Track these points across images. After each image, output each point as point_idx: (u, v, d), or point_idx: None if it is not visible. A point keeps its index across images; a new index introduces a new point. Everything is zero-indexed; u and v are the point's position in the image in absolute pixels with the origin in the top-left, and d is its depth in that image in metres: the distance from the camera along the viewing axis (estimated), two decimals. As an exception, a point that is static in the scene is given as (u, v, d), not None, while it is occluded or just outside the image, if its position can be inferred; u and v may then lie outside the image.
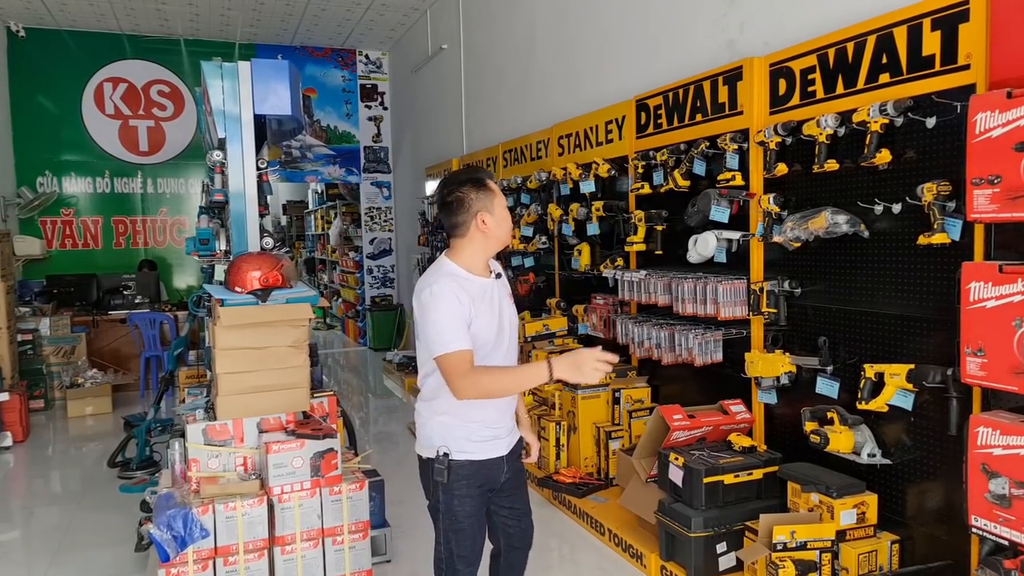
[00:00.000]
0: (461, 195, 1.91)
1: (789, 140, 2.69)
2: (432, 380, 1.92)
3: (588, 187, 3.98)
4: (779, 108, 2.74)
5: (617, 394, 3.58)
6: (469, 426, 1.91)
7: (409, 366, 6.93)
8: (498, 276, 2.00)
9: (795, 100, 2.66)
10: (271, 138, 3.38)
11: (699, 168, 3.12)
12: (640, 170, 3.55)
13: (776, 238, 2.68)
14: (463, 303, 1.83)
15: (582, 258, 4.14)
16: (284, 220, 17.84)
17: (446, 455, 1.89)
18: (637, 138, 3.64)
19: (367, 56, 8.86)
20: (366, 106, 8.92)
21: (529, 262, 4.88)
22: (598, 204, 3.86)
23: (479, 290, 1.89)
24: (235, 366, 2.46)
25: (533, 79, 5.09)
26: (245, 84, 2.80)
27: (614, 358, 1.82)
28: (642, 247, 3.58)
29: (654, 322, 3.38)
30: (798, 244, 2.62)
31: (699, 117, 3.16)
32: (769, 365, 2.74)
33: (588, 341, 4.19)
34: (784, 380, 2.71)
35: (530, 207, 4.67)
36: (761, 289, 2.79)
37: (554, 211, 4.36)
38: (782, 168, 2.70)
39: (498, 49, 5.67)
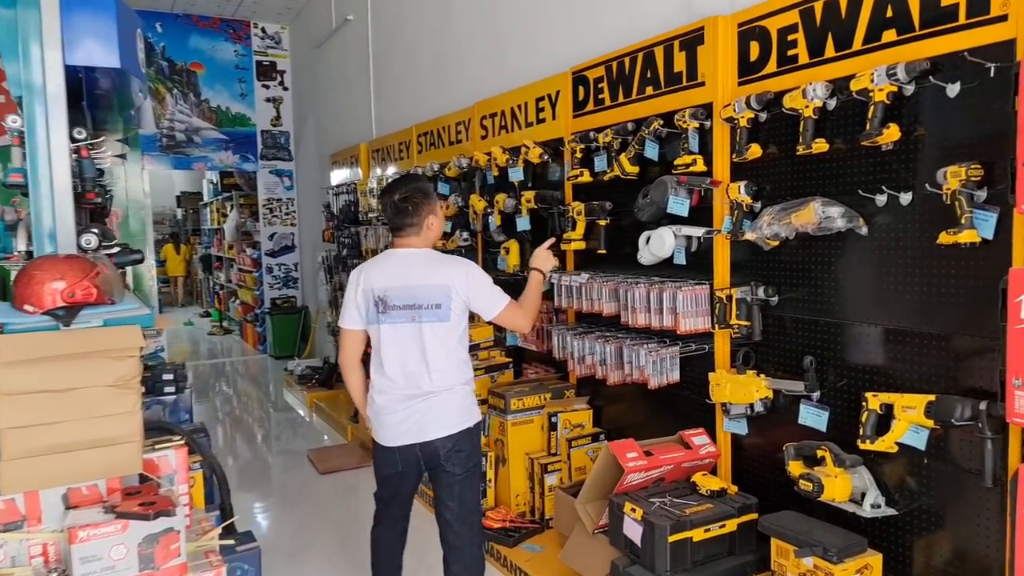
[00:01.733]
0: (416, 201, 2.23)
1: (764, 116, 2.21)
2: (462, 351, 2.27)
3: (516, 175, 3.41)
4: (751, 77, 2.25)
5: (553, 418, 3.04)
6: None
7: (312, 378, 6.15)
8: None
9: (771, 67, 2.18)
10: (90, 101, 2.58)
11: (651, 151, 2.61)
12: (579, 155, 3.01)
13: (748, 235, 2.20)
14: None
15: (510, 257, 3.57)
16: (180, 213, 16.37)
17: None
18: (574, 117, 3.09)
19: (263, 29, 7.93)
20: (263, 86, 7.99)
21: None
22: (529, 195, 3.30)
23: None
24: (24, 417, 1.71)
25: (451, 51, 4.47)
26: (50, 21, 2.02)
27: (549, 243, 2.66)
28: (581, 245, 3.04)
29: (598, 334, 2.86)
30: (776, 243, 2.15)
31: (650, 91, 2.65)
32: (740, 389, 2.26)
33: (518, 354, 3.62)
34: (759, 407, 2.24)
35: (449, 198, 4.05)
36: (729, 297, 2.31)
37: (477, 203, 3.77)
38: (755, 150, 2.22)
39: (411, 19, 4.99)
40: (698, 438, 2.42)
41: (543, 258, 2.61)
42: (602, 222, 2.88)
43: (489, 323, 2.76)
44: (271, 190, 8.13)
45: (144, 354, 4.89)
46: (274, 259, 8.19)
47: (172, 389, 3.14)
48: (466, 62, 4.28)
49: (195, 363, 8.58)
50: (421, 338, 2.17)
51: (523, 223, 3.38)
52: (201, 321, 11.72)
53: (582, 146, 2.99)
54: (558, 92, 3.20)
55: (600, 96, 2.92)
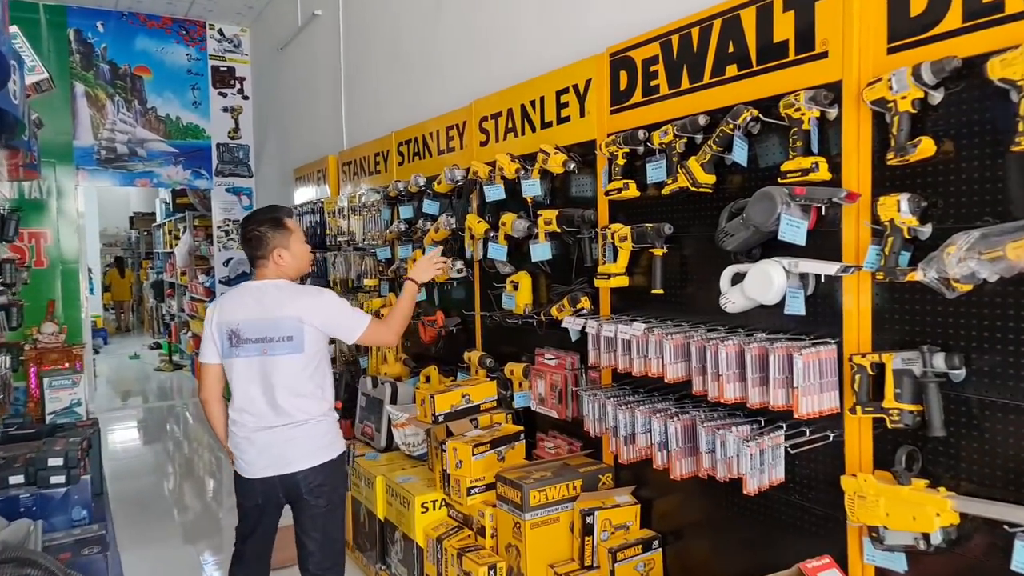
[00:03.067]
0: (260, 233, 2.29)
1: (938, 94, 1.47)
2: (321, 381, 2.30)
3: (532, 189, 2.63)
4: (912, 39, 1.52)
5: (588, 517, 2.23)
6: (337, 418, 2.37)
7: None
8: None
9: (953, 19, 1.45)
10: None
11: (739, 153, 1.85)
12: (620, 161, 2.25)
13: (916, 274, 1.45)
14: None
15: (519, 295, 2.78)
16: (134, 235, 15.22)
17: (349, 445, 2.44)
18: (613, 112, 2.34)
19: (221, 32, 7.10)
20: (220, 94, 7.13)
21: (437, 296, 3.45)
22: (549, 214, 2.52)
23: None
24: None
25: (441, 44, 3.71)
26: None
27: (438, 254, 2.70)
28: (623, 281, 2.27)
29: (654, 406, 2.07)
30: (967, 286, 1.40)
31: (733, 71, 1.90)
32: (906, 508, 1.48)
33: (530, 423, 2.81)
34: (937, 538, 1.46)
35: (439, 219, 3.25)
36: (878, 366, 1.55)
37: (475, 225, 2.98)
38: (926, 147, 1.48)
39: (390, 8, 4.23)
40: (826, 574, 1.63)
41: (423, 269, 2.60)
42: (658, 251, 2.11)
43: (355, 345, 2.91)
44: (227, 210, 7.23)
45: (57, 410, 3.87)
46: (230, 287, 7.25)
47: (62, 478, 2.29)
48: (461, 54, 3.52)
49: (140, 405, 7.56)
50: (276, 371, 2.21)
51: (541, 251, 2.59)
52: (149, 354, 10.64)
53: (625, 150, 2.23)
54: (588, 82, 2.45)
55: (653, 83, 2.17)
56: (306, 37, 5.58)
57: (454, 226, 3.17)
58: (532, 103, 2.75)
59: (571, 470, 2.39)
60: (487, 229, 2.93)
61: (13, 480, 2.19)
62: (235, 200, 7.21)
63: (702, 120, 1.96)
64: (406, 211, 3.67)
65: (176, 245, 8.97)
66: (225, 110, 7.14)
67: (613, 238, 2.25)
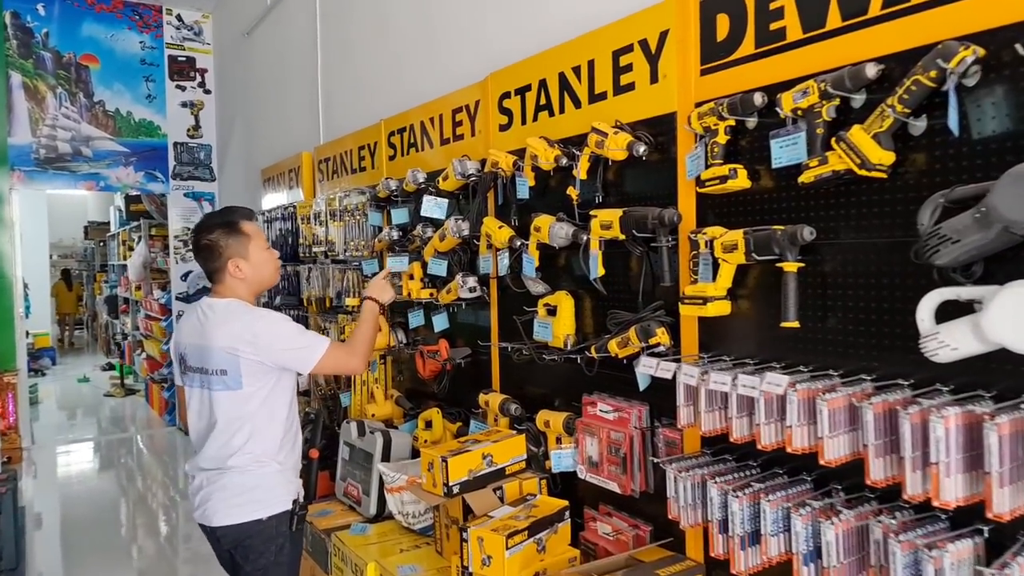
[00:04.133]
0: (210, 242, 1.97)
1: None
2: (262, 418, 1.94)
3: (581, 182, 1.96)
4: None
5: (682, 648, 1.54)
6: (288, 470, 2.01)
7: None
8: None
9: None
10: None
11: (952, 117, 1.19)
12: (722, 138, 1.59)
13: None
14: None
15: (559, 322, 2.10)
16: (89, 246, 14.17)
17: (296, 501, 1.99)
18: (704, 73, 1.69)
19: (179, 17, 6.34)
20: (178, 87, 6.36)
21: (440, 321, 2.75)
22: (609, 215, 1.85)
23: None
24: None
25: (442, 8, 3.03)
26: None
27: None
28: (724, 308, 1.61)
29: (787, 493, 1.40)
30: None
31: (923, -6, 1.27)
32: None
33: (569, 491, 2.11)
34: None
35: (445, 224, 2.56)
36: None
37: (496, 230, 2.30)
38: None
39: (377, -25, 3.56)
40: None
41: (380, 287, 2.25)
42: (790, 266, 1.45)
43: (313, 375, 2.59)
44: (186, 217, 6.43)
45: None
46: (187, 304, 6.43)
47: None
48: (469, 17, 2.84)
49: (89, 437, 6.68)
50: (212, 406, 1.95)
51: (595, 264, 1.91)
52: (101, 376, 9.69)
53: (730, 122, 1.58)
54: (664, 34, 1.79)
55: (774, 25, 1.52)
56: (276, 17, 4.87)
57: (465, 233, 2.48)
58: (576, 70, 2.09)
59: (646, 571, 1.71)
60: (512, 236, 2.25)
61: None
62: (195, 206, 6.42)
63: (871, 71, 1.31)
64: (400, 215, 2.98)
65: (130, 257, 8.11)
66: (184, 105, 6.37)
67: (713, 247, 1.59)
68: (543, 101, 2.23)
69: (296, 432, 2.08)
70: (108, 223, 11.41)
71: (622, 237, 1.83)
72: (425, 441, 2.66)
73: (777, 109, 1.45)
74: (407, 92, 3.20)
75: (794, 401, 1.34)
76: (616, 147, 1.85)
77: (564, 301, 2.12)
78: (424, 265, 2.73)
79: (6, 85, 5.79)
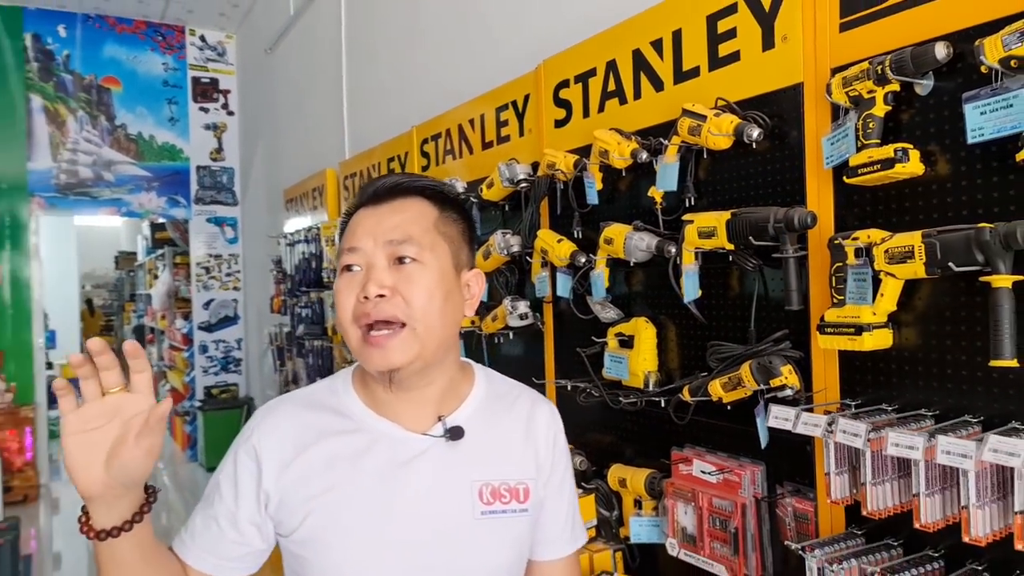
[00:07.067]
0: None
1: None
2: None
3: (668, 178, 1.55)
4: None
5: None
6: None
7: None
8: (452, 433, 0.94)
9: None
10: None
11: None
12: (879, 109, 1.17)
13: None
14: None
15: (636, 356, 1.68)
16: (120, 276, 14.13)
17: None
18: (844, 28, 1.28)
19: (203, 38, 6.14)
20: (201, 109, 6.14)
21: (484, 356, 2.34)
22: (710, 219, 1.43)
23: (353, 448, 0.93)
24: None
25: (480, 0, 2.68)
26: None
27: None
28: (886, 339, 1.18)
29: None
30: None
31: None
32: None
33: (649, 565, 1.67)
34: None
35: (490, 239, 2.16)
36: None
37: (554, 244, 1.90)
38: None
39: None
40: None
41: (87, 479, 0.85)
42: (1002, 280, 1.01)
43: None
44: (209, 243, 6.17)
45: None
46: (210, 334, 6.15)
47: None
48: (513, 2, 2.48)
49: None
50: None
51: (690, 284, 1.49)
52: (126, 408, 9.46)
53: (893, 86, 1.16)
54: (778, -13, 1.39)
55: (953, -47, 1.11)
56: (300, 27, 4.60)
57: (515, 248, 2.09)
58: (656, 44, 1.69)
59: None
60: (575, 252, 1.84)
61: None
62: (217, 232, 6.16)
63: None
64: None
65: (154, 286, 7.90)
66: (207, 128, 6.14)
67: (871, 256, 1.17)
68: (612, 87, 1.83)
69: None
70: (135, 252, 11.32)
71: (730, 247, 1.41)
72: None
73: (980, 59, 1.03)
74: (442, 93, 2.84)
75: (1039, 480, 0.90)
76: (720, 132, 1.44)
77: (644, 330, 1.70)
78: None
79: (26, 108, 5.62)
